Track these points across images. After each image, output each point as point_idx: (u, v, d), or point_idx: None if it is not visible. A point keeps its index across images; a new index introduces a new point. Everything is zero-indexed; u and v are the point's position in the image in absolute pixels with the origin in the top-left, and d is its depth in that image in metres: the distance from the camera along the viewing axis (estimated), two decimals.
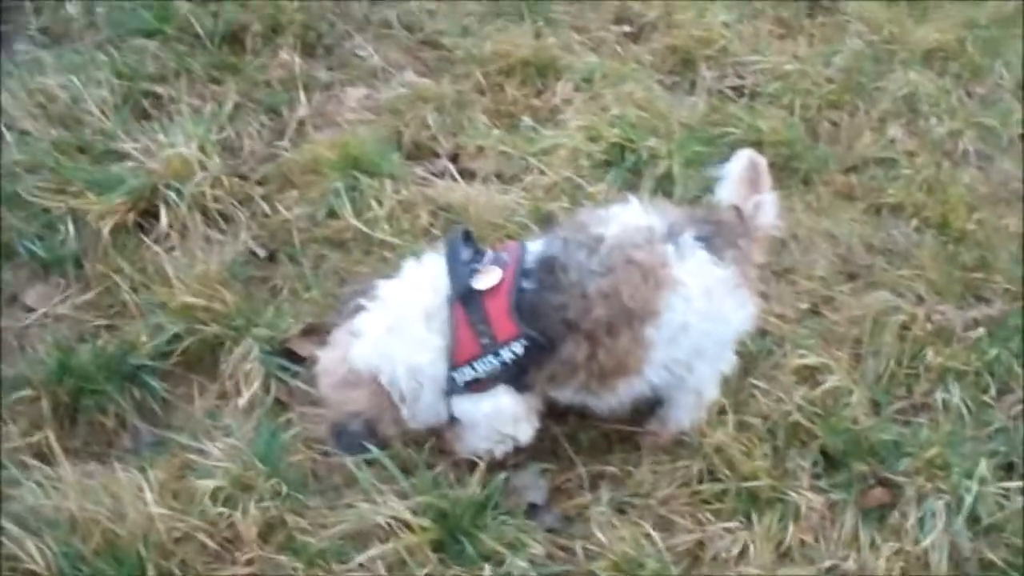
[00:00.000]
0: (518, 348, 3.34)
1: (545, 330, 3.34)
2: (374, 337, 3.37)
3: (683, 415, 3.80)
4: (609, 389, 3.51)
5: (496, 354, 3.34)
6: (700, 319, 3.40)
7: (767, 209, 3.57)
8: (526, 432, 3.59)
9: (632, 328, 3.34)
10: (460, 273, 3.39)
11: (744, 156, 3.72)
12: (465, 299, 3.35)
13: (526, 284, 3.36)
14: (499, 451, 3.60)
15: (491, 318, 3.34)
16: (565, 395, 3.57)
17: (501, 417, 3.50)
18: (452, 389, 3.43)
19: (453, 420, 3.57)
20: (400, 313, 3.40)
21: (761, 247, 3.63)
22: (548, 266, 3.38)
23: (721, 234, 3.45)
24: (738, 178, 3.61)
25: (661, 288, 3.34)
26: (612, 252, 3.35)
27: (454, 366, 3.37)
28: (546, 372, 3.44)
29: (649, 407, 3.82)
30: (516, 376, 3.42)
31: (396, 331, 3.36)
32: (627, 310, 3.32)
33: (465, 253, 3.46)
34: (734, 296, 3.45)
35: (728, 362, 3.76)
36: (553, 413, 3.76)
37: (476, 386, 3.41)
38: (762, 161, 3.69)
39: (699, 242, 3.40)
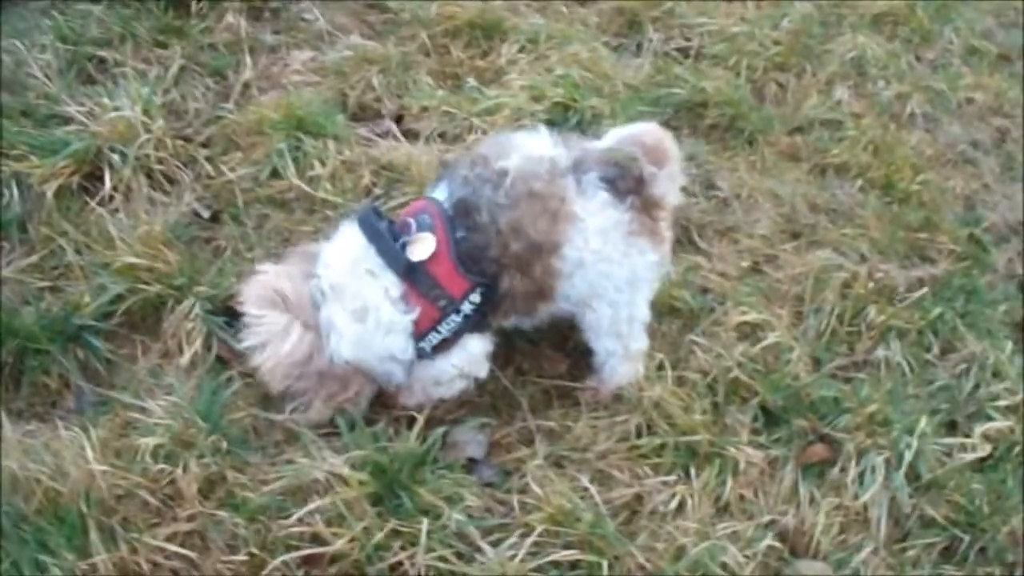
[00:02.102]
0: (476, 298, 3.42)
1: (484, 271, 3.40)
2: (346, 328, 3.42)
3: (616, 368, 3.82)
4: (535, 313, 3.62)
5: (457, 311, 3.42)
6: (595, 258, 3.45)
7: (661, 183, 3.56)
8: (484, 369, 3.68)
9: (542, 259, 3.40)
10: (394, 253, 3.40)
11: (650, 131, 3.72)
12: (409, 273, 3.39)
13: (459, 234, 3.40)
14: (455, 392, 3.69)
15: (441, 282, 3.39)
16: (511, 323, 3.66)
17: (472, 362, 3.58)
18: (421, 356, 3.50)
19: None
20: (363, 304, 3.42)
21: (663, 214, 3.64)
22: (464, 210, 3.42)
23: (624, 178, 3.47)
24: (642, 148, 3.56)
25: (560, 221, 3.39)
26: (515, 184, 3.38)
27: (420, 337, 3.44)
28: (501, 310, 3.52)
29: (588, 362, 3.87)
30: (478, 323, 3.50)
31: (363, 319, 3.41)
32: (534, 242, 3.38)
33: (385, 230, 3.46)
34: (631, 241, 3.49)
35: (639, 309, 3.75)
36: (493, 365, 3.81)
37: (443, 346, 3.48)
38: (665, 139, 3.69)
39: (602, 183, 3.44)
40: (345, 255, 3.50)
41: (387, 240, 3.42)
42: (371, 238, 3.44)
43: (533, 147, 3.52)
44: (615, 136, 3.66)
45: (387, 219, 3.54)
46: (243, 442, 3.53)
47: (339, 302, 3.41)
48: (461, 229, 3.42)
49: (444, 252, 3.40)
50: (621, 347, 3.77)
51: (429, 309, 3.42)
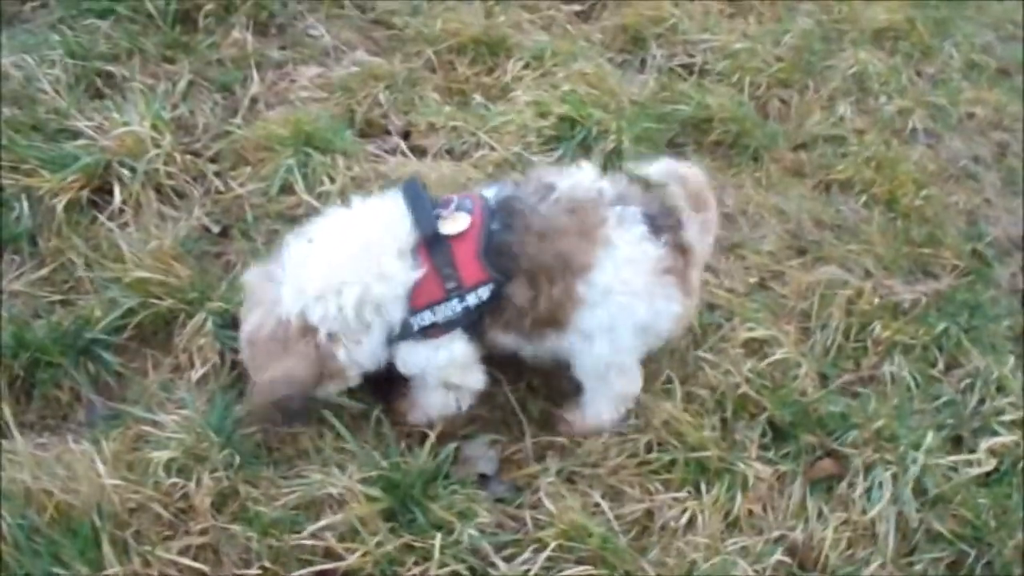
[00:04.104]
0: (484, 293, 3.40)
1: (505, 269, 3.39)
2: (325, 267, 3.38)
3: (601, 410, 3.81)
4: (540, 339, 3.57)
5: (461, 299, 3.38)
6: (623, 288, 3.43)
7: (693, 229, 3.56)
8: (477, 380, 3.65)
9: (565, 279, 3.39)
10: (426, 216, 3.40)
11: (695, 174, 3.67)
12: (431, 243, 3.37)
13: (494, 226, 3.41)
14: (454, 406, 3.66)
15: (458, 263, 3.38)
16: (508, 342, 3.62)
17: (453, 365, 3.53)
18: (404, 334, 3.45)
19: (404, 384, 3.64)
20: (365, 242, 3.39)
21: (693, 260, 3.62)
22: (508, 207, 3.44)
23: (664, 217, 3.49)
24: (681, 191, 3.56)
25: (595, 244, 3.39)
26: (560, 199, 3.42)
27: (413, 310, 3.39)
28: (501, 318, 3.48)
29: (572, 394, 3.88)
30: (472, 324, 3.47)
31: (357, 260, 3.37)
32: (563, 257, 3.37)
33: (426, 197, 3.48)
34: (662, 280, 3.48)
35: (638, 354, 3.75)
36: (504, 382, 3.84)
37: (431, 332, 3.44)
38: (707, 187, 3.68)
39: (643, 217, 3.44)
40: (375, 210, 3.55)
41: (425, 204, 3.44)
42: (410, 199, 3.46)
43: (582, 177, 3.56)
44: (660, 168, 3.64)
45: (430, 195, 3.55)
46: (255, 456, 3.54)
47: (335, 241, 3.46)
48: (497, 223, 3.42)
49: (473, 236, 3.40)
50: (612, 389, 3.77)
51: (435, 287, 3.39)
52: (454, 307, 3.40)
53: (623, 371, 3.74)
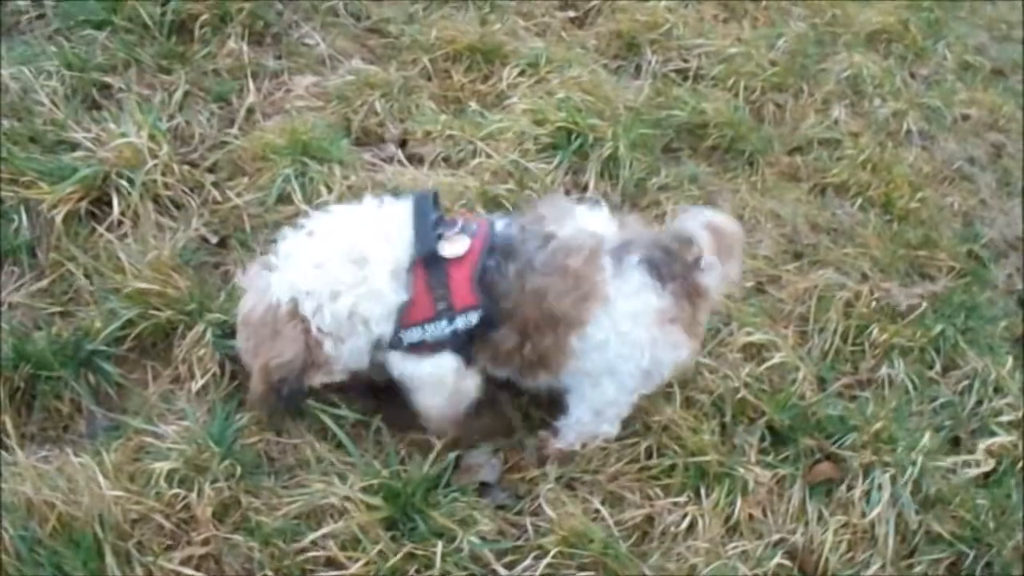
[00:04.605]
0: (473, 318, 3.39)
1: (493, 309, 3.38)
2: (319, 265, 3.40)
3: (579, 436, 3.79)
4: (532, 377, 3.58)
5: (450, 320, 3.38)
6: (620, 341, 3.42)
7: (715, 276, 3.49)
8: (470, 387, 3.64)
9: (557, 333, 3.39)
10: (427, 235, 3.40)
11: (729, 223, 3.57)
12: (428, 262, 3.37)
13: (490, 261, 3.39)
14: (455, 409, 3.68)
15: (452, 285, 3.37)
16: (501, 374, 3.63)
17: (442, 375, 3.53)
18: (394, 344, 3.46)
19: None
20: (362, 252, 3.39)
21: (705, 304, 3.59)
22: (506, 250, 3.41)
23: (671, 263, 3.41)
24: (711, 242, 3.41)
25: (589, 300, 3.37)
26: (555, 254, 3.37)
27: (404, 326, 3.40)
28: (487, 351, 3.49)
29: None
30: (461, 347, 3.47)
31: (352, 269, 3.38)
32: (553, 315, 3.36)
33: (432, 215, 3.47)
34: (666, 330, 3.44)
35: (633, 396, 3.72)
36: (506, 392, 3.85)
37: (420, 348, 3.45)
38: (738, 236, 3.60)
39: (643, 264, 3.39)
40: (379, 212, 3.56)
41: (428, 222, 3.43)
42: (417, 212, 3.46)
43: (588, 221, 3.53)
44: (691, 217, 3.53)
45: (440, 210, 3.57)
46: (256, 466, 3.55)
47: (334, 240, 3.46)
48: (494, 259, 3.40)
49: (470, 262, 3.39)
50: (596, 423, 3.76)
51: (426, 306, 3.39)
52: (443, 328, 3.40)
53: (616, 407, 3.73)
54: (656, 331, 3.43)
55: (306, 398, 3.62)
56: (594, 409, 3.69)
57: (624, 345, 3.43)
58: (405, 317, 3.39)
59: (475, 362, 3.55)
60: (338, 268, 3.37)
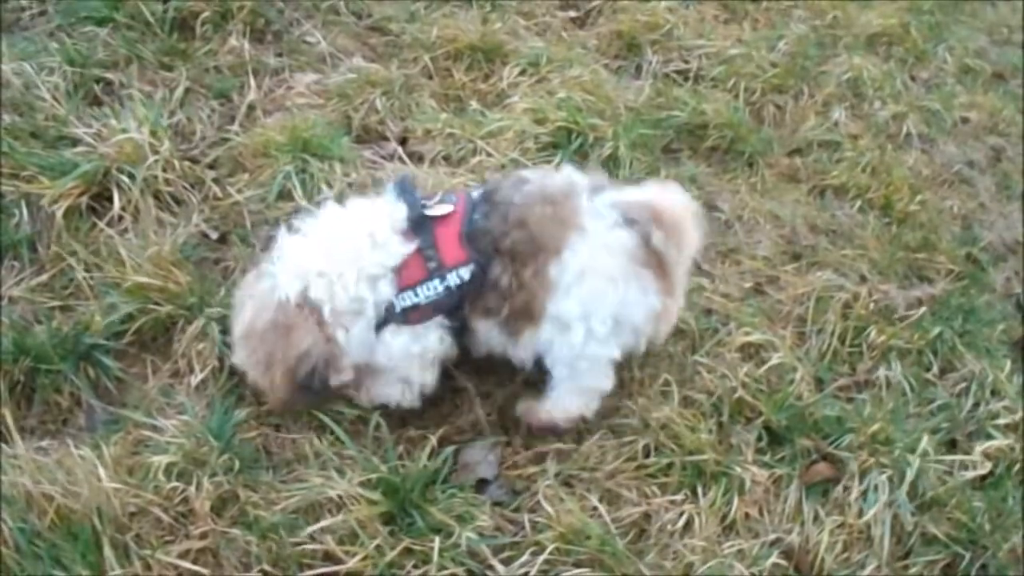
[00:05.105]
0: (465, 273, 3.46)
1: (483, 252, 3.46)
2: (324, 250, 3.47)
3: (562, 398, 3.81)
4: (518, 335, 3.60)
5: (443, 279, 3.45)
6: (597, 273, 3.46)
7: (671, 252, 3.54)
8: (431, 379, 3.69)
9: (537, 261, 3.44)
10: (413, 200, 3.52)
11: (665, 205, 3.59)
12: (416, 224, 3.46)
13: (476, 215, 3.49)
14: (405, 401, 3.72)
15: (439, 244, 3.46)
16: (492, 335, 3.64)
17: (423, 357, 3.59)
18: (388, 317, 3.49)
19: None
20: (359, 227, 3.48)
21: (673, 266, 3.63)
22: (488, 197, 3.54)
23: (640, 217, 3.49)
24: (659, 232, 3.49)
25: (567, 227, 3.45)
26: (532, 188, 3.51)
27: (399, 290, 3.46)
28: (481, 304, 3.53)
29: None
30: (453, 308, 3.52)
31: (354, 241, 3.45)
32: (535, 239, 3.43)
33: (415, 191, 3.59)
34: (637, 271, 3.50)
35: (610, 348, 3.70)
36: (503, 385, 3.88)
37: (413, 315, 3.49)
38: (682, 208, 3.63)
39: (616, 207, 3.49)
40: (367, 206, 3.63)
41: (412, 193, 3.57)
42: (399, 191, 3.58)
43: (558, 173, 3.66)
44: (640, 201, 3.57)
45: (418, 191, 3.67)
46: (255, 461, 3.56)
47: (331, 230, 3.54)
48: (479, 213, 3.51)
49: (456, 220, 3.50)
50: (576, 379, 3.77)
51: (418, 268, 3.46)
52: (436, 287, 3.46)
53: (594, 365, 3.73)
54: (627, 268, 3.49)
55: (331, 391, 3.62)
56: (569, 361, 3.69)
57: (599, 278, 3.48)
58: (400, 281, 3.45)
59: (466, 323, 3.61)
60: (343, 246, 3.45)
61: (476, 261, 3.46)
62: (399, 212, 3.51)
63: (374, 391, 3.72)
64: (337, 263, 3.42)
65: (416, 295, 3.46)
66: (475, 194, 3.62)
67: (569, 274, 3.46)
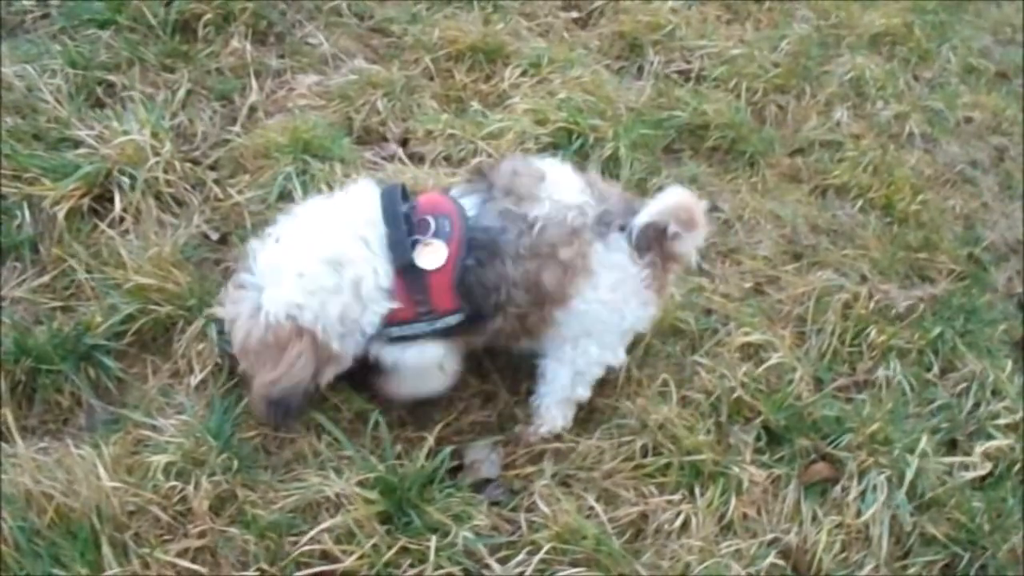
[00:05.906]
0: (453, 320, 3.43)
1: (479, 308, 3.42)
2: (302, 273, 3.33)
3: (549, 409, 3.85)
4: (515, 342, 3.65)
5: (431, 323, 3.42)
6: (601, 307, 3.49)
7: (686, 243, 3.55)
8: (453, 364, 3.70)
9: (543, 310, 3.45)
10: (402, 244, 3.35)
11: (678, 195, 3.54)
12: (406, 272, 3.36)
13: (470, 261, 3.37)
14: (425, 392, 3.75)
15: (432, 291, 3.38)
16: (480, 343, 3.69)
17: (425, 363, 3.58)
18: (380, 336, 3.47)
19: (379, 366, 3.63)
20: (336, 252, 3.35)
21: (677, 268, 3.70)
22: (486, 245, 3.39)
23: (648, 233, 3.46)
24: (670, 212, 3.45)
25: (576, 277, 3.42)
26: (541, 237, 3.37)
27: (388, 324, 3.42)
28: (473, 336, 3.57)
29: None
30: (446, 335, 3.52)
31: (335, 269, 3.33)
32: (542, 294, 3.41)
33: (402, 213, 3.42)
34: (639, 295, 3.53)
35: (614, 354, 3.77)
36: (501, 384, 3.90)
37: (404, 340, 3.48)
38: (698, 205, 3.55)
39: (623, 236, 3.46)
40: (346, 209, 3.51)
41: (401, 230, 3.38)
42: (388, 220, 3.41)
43: (563, 192, 3.48)
44: (661, 209, 3.48)
45: (410, 203, 3.52)
46: (253, 460, 3.58)
47: (310, 246, 3.39)
48: (473, 258, 3.38)
49: (448, 267, 3.38)
50: (563, 392, 3.80)
51: (407, 309, 3.40)
52: (423, 328, 3.44)
53: (588, 370, 3.78)
54: (632, 296, 3.52)
55: (306, 409, 3.61)
56: (576, 370, 3.73)
57: (606, 310, 3.51)
58: (390, 317, 3.40)
59: (457, 340, 3.60)
60: (320, 275, 3.32)
61: (466, 310, 3.43)
62: (386, 257, 3.38)
63: (404, 388, 3.73)
64: (319, 295, 3.32)
65: (404, 329, 3.45)
66: (471, 218, 3.46)
67: (574, 314, 3.50)
